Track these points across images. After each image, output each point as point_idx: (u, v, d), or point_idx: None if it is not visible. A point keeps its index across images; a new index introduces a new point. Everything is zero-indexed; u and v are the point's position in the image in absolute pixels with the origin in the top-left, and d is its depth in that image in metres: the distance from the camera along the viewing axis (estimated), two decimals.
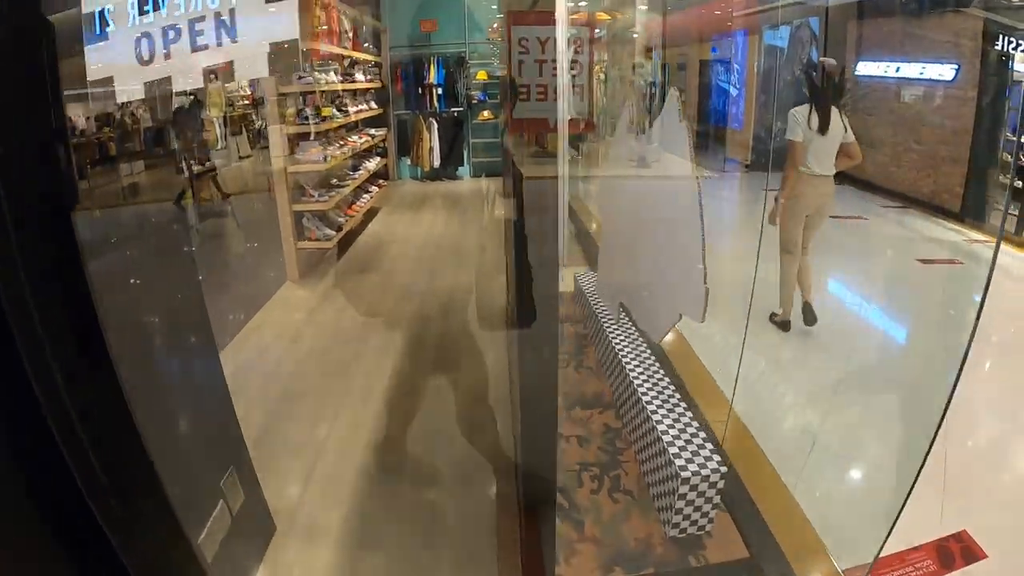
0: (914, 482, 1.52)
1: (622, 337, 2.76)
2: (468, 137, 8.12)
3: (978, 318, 1.47)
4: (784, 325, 3.42)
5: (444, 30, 7.67)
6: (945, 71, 5.21)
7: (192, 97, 7.39)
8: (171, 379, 1.66)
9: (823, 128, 2.84)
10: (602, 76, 7.51)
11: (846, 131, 2.86)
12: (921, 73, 5.30)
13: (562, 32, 4.43)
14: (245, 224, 5.74)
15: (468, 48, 7.82)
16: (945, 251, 4.76)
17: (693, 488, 1.81)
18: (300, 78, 4.17)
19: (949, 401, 1.51)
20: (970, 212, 5.19)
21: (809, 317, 3.33)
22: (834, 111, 2.85)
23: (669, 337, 3.39)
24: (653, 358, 2.57)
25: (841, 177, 6.89)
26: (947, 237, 5.06)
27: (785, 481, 2.28)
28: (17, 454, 0.75)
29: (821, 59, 3.13)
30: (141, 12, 0.80)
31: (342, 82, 5.12)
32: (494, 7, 8.39)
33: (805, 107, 2.92)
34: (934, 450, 2.54)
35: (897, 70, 5.47)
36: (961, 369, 1.49)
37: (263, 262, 4.65)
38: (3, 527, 0.75)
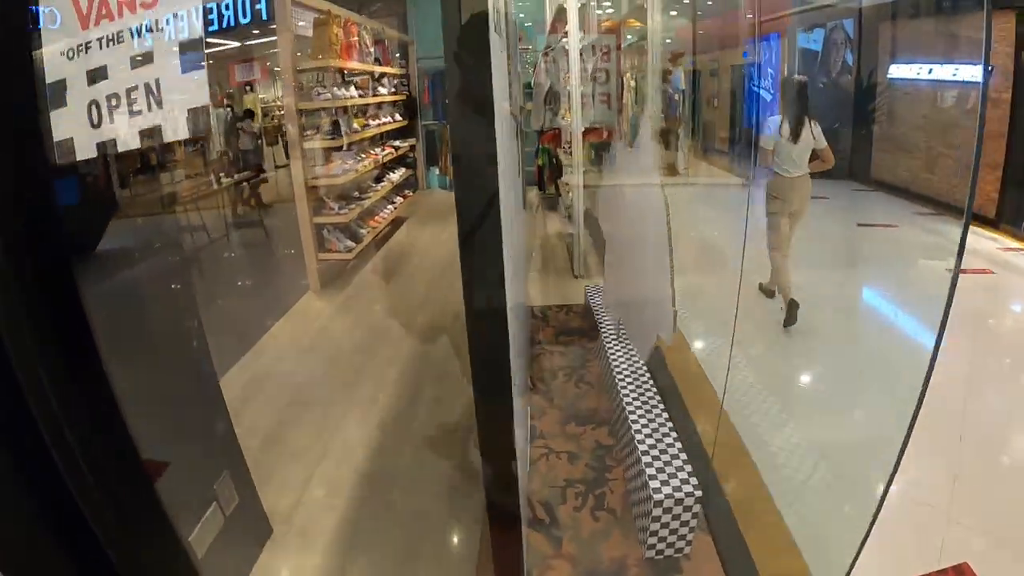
0: (880, 505, 1.47)
1: (620, 353, 2.77)
2: None
3: (944, 320, 1.39)
4: (791, 306, 3.52)
5: None
6: (979, 72, 4.99)
7: (229, 108, 7.70)
8: (163, 386, 1.76)
9: (794, 137, 3.14)
10: (633, 84, 7.47)
11: (815, 139, 3.16)
12: (954, 75, 5.08)
13: (574, 41, 4.46)
14: (274, 234, 5.96)
15: None
16: (978, 260, 4.56)
17: (667, 511, 1.81)
18: (319, 94, 4.32)
19: (916, 415, 1.45)
20: (1006, 218, 4.96)
21: (767, 293, 3.66)
22: (805, 120, 3.17)
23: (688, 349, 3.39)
24: (648, 375, 2.57)
25: (877, 184, 6.67)
26: (981, 245, 4.85)
27: (778, 503, 2.25)
28: (6, 458, 0.78)
29: (793, 76, 3.42)
30: (90, 84, 0.90)
31: (364, 96, 5.27)
32: (522, 15, 8.46)
33: (777, 118, 3.25)
34: (943, 476, 2.48)
35: (930, 72, 5.27)
36: (927, 381, 1.42)
37: (287, 272, 4.82)
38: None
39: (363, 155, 4.96)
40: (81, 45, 0.87)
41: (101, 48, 0.86)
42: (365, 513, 2.28)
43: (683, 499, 1.80)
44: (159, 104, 0.83)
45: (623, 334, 2.89)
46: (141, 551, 1.03)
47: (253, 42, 6.70)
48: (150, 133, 0.86)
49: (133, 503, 1.07)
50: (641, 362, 2.66)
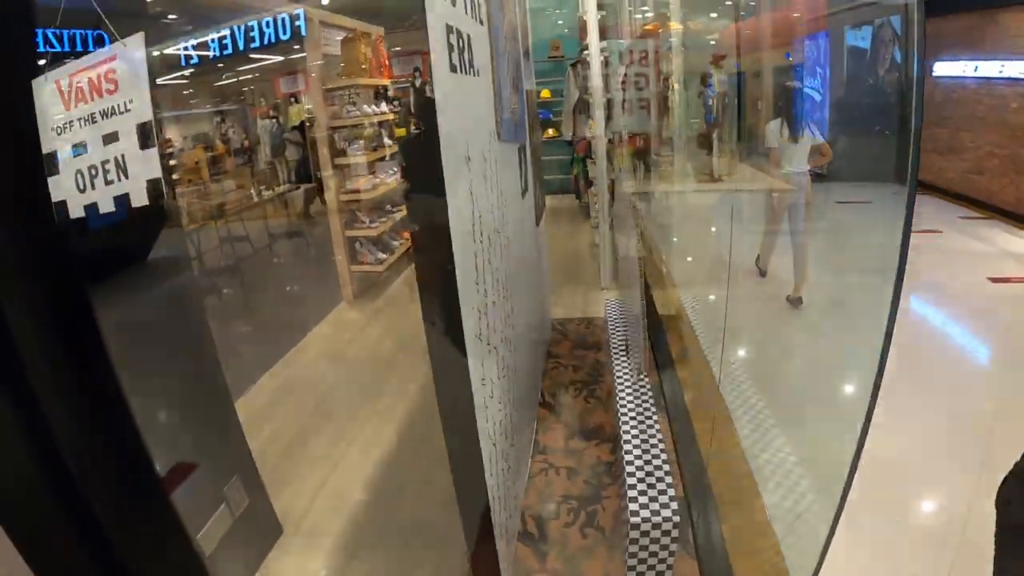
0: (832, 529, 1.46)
1: (625, 369, 2.79)
2: None
3: (889, 333, 1.33)
4: (762, 273, 3.94)
5: None
6: None
7: (275, 119, 8.04)
8: (174, 394, 1.90)
9: (794, 137, 3.37)
10: (677, 87, 7.38)
11: (814, 136, 3.37)
12: (1000, 71, 4.81)
13: (595, 50, 4.48)
14: (315, 244, 6.24)
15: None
16: (1018, 266, 4.30)
17: (644, 534, 1.84)
18: (349, 112, 4.51)
19: (866, 428, 1.39)
20: None
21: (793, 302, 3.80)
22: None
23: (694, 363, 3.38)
24: (650, 394, 2.59)
25: (923, 187, 6.42)
26: None
27: (775, 529, 2.23)
28: (17, 459, 0.81)
29: (784, 83, 3.59)
30: (74, 156, 1.03)
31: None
32: (560, 22, 8.49)
33: (778, 120, 3.44)
34: (958, 503, 2.38)
35: (975, 69, 4.99)
36: (875, 396, 1.36)
37: (324, 282, 5.05)
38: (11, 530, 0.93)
39: (395, 169, 5.13)
40: (66, 123, 1.01)
41: (81, 126, 1.00)
42: (372, 518, 2.40)
43: (661, 523, 1.83)
44: (126, 175, 0.97)
45: (632, 349, 2.91)
46: (148, 546, 1.12)
47: (295, 56, 7.03)
48: (122, 200, 0.99)
49: (144, 503, 1.16)
50: (645, 379, 2.67)
